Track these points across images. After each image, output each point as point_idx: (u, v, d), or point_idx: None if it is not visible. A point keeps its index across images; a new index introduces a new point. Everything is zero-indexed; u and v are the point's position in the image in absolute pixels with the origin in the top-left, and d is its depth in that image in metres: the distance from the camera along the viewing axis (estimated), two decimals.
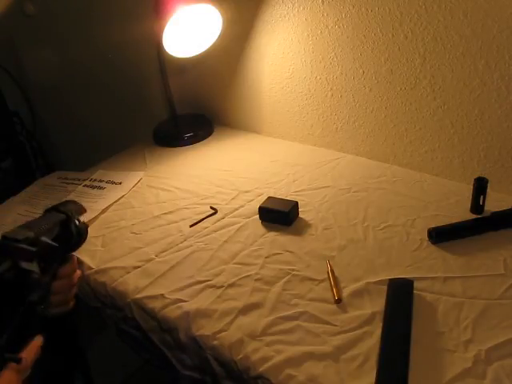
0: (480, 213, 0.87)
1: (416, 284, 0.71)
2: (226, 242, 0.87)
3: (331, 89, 1.10)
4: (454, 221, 0.83)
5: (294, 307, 0.71)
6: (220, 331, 0.68)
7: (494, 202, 0.87)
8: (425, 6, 0.88)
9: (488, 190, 0.85)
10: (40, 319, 0.53)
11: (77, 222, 0.63)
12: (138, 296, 0.77)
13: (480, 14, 0.82)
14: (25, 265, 0.52)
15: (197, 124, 1.36)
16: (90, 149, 1.55)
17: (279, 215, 0.90)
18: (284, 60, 1.15)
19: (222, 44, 1.16)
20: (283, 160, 1.14)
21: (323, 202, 0.96)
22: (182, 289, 0.77)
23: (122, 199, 1.06)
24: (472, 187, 0.87)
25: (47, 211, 0.63)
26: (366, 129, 1.09)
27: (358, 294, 0.72)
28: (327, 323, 0.68)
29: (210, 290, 0.76)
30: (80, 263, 0.82)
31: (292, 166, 1.11)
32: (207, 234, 0.90)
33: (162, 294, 0.76)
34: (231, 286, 0.77)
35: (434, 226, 0.82)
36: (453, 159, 0.98)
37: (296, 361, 0.62)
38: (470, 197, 0.87)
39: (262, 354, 0.64)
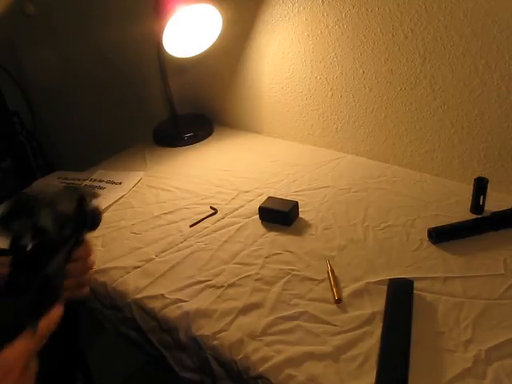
0: (480, 213, 0.87)
1: (416, 284, 0.71)
2: (225, 242, 0.87)
3: (331, 89, 1.10)
4: (454, 221, 0.83)
5: (293, 307, 0.71)
6: (220, 331, 0.68)
7: (493, 202, 0.87)
8: (425, 6, 0.88)
9: (488, 190, 0.85)
10: (55, 296, 0.51)
11: (92, 203, 0.62)
12: (138, 296, 0.77)
13: (480, 14, 0.82)
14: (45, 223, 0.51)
15: (197, 124, 1.36)
16: (90, 149, 1.55)
17: (279, 215, 0.90)
18: (284, 60, 1.15)
19: (221, 44, 1.16)
20: (283, 160, 1.14)
21: (323, 202, 0.96)
22: (181, 289, 0.77)
23: (122, 199, 1.06)
24: (472, 187, 0.87)
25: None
26: (365, 129, 1.09)
27: (357, 293, 0.72)
28: (327, 323, 0.68)
29: (210, 290, 0.76)
30: None
31: (292, 166, 1.11)
32: (207, 234, 0.90)
33: (162, 294, 0.76)
34: (231, 286, 0.77)
35: (434, 225, 0.82)
36: (453, 159, 0.98)
37: (296, 361, 0.62)
38: (470, 197, 0.87)
39: (262, 354, 0.64)
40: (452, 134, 0.96)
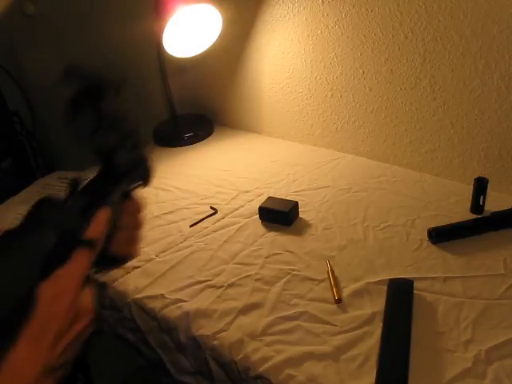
0: (480, 213, 0.87)
1: (416, 284, 0.71)
2: (225, 242, 0.87)
3: (331, 89, 1.10)
4: (454, 221, 0.83)
5: (293, 307, 0.71)
6: (220, 331, 0.68)
7: (494, 202, 0.87)
8: (425, 6, 0.88)
9: (488, 190, 0.85)
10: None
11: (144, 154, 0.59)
12: (138, 296, 0.77)
13: (480, 14, 0.82)
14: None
15: (197, 124, 1.36)
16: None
17: (279, 215, 0.90)
18: (284, 60, 1.15)
19: (221, 44, 1.16)
20: (283, 160, 1.14)
21: (323, 201, 0.96)
22: (182, 289, 0.77)
23: None
24: (472, 187, 0.87)
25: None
26: (366, 129, 1.09)
27: (358, 293, 0.72)
28: (327, 323, 0.68)
29: (210, 290, 0.76)
30: None
31: (292, 166, 1.11)
32: (207, 234, 0.90)
33: (162, 294, 0.76)
34: (231, 285, 0.77)
35: (434, 226, 0.82)
36: (453, 159, 0.98)
37: (296, 361, 0.62)
38: (470, 197, 0.87)
39: (262, 354, 0.64)
40: (452, 134, 0.96)
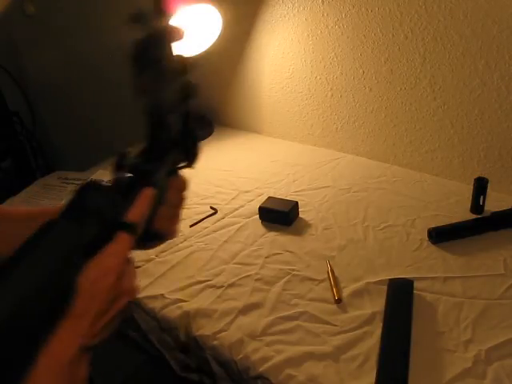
0: (480, 213, 0.87)
1: (416, 284, 0.71)
2: (225, 242, 0.87)
3: (331, 89, 1.10)
4: (454, 221, 0.83)
5: (293, 307, 0.71)
6: (220, 331, 0.68)
7: (494, 202, 0.87)
8: (425, 6, 0.88)
9: (488, 190, 0.85)
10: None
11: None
12: (138, 296, 0.77)
13: (480, 14, 0.82)
14: None
15: (197, 124, 1.36)
16: (90, 149, 1.55)
17: (279, 215, 0.90)
18: (284, 60, 1.15)
19: (221, 44, 1.16)
20: (283, 160, 1.14)
21: (323, 201, 0.96)
22: (182, 289, 0.77)
23: None
24: (472, 187, 0.87)
25: None
26: (366, 129, 1.09)
27: (358, 293, 0.72)
28: (327, 323, 0.68)
29: (210, 290, 0.76)
30: None
31: (292, 166, 1.11)
32: (207, 234, 0.90)
33: (162, 294, 0.76)
34: (231, 286, 0.77)
35: (434, 226, 0.82)
36: (453, 159, 0.98)
37: (296, 361, 0.62)
38: (470, 197, 0.87)
39: (262, 354, 0.64)
40: (452, 134, 0.96)
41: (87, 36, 1.52)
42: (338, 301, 0.71)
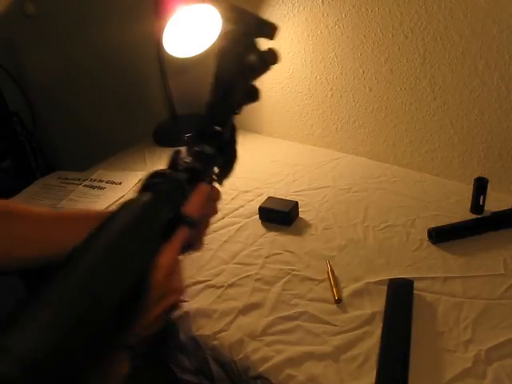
0: (480, 213, 0.87)
1: (416, 284, 0.71)
2: (225, 241, 0.87)
3: (331, 89, 1.10)
4: (454, 221, 0.83)
5: (293, 307, 0.71)
6: (220, 331, 0.68)
7: (494, 202, 0.87)
8: (425, 6, 0.88)
9: (488, 190, 0.85)
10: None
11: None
12: None
13: (480, 14, 0.82)
14: None
15: (197, 124, 1.36)
16: (90, 149, 1.55)
17: (279, 215, 0.90)
18: (284, 60, 1.15)
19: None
20: (283, 160, 1.14)
21: (323, 201, 0.96)
22: None
23: (122, 199, 1.06)
24: (472, 187, 0.87)
25: None
26: (366, 129, 1.09)
27: (358, 293, 0.72)
28: (327, 323, 0.68)
29: (210, 290, 0.76)
30: None
31: (292, 166, 1.11)
32: (207, 234, 0.90)
33: None
34: (231, 286, 0.77)
35: (433, 226, 0.82)
36: (453, 159, 0.98)
37: (296, 361, 0.62)
38: (470, 197, 0.87)
39: (262, 354, 0.64)
40: (452, 134, 0.96)
41: (87, 36, 1.52)
42: (338, 301, 0.71)
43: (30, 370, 0.27)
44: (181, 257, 0.46)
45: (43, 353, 0.28)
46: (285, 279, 0.77)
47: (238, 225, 0.92)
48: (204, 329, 0.69)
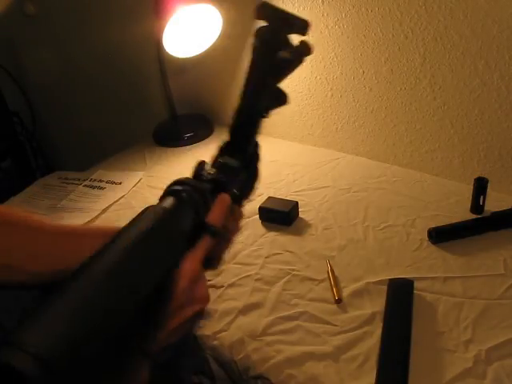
0: (480, 213, 0.87)
1: (416, 284, 0.71)
2: None
3: (331, 89, 1.10)
4: (454, 221, 0.83)
5: (294, 307, 0.71)
6: (220, 331, 0.68)
7: (494, 202, 0.87)
8: (425, 6, 0.88)
9: (488, 190, 0.85)
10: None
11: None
12: None
13: (480, 14, 0.82)
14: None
15: (197, 124, 1.36)
16: (90, 149, 1.55)
17: (279, 215, 0.90)
18: None
19: (221, 44, 1.16)
20: (283, 160, 1.14)
21: (323, 201, 0.96)
22: None
23: (122, 199, 1.06)
24: (472, 187, 0.87)
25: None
26: (366, 129, 1.09)
27: (358, 293, 0.72)
28: (327, 323, 0.68)
29: (210, 290, 0.75)
30: None
31: (292, 166, 1.11)
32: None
33: None
34: (231, 285, 0.77)
35: (433, 226, 0.82)
36: (453, 159, 0.98)
37: (296, 361, 0.62)
38: (470, 197, 0.87)
39: (262, 354, 0.64)
40: (452, 134, 0.96)
41: (87, 36, 1.52)
42: (338, 301, 0.71)
43: (45, 367, 0.26)
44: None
45: (60, 351, 0.27)
46: (285, 279, 0.77)
47: None
48: (204, 329, 0.69)
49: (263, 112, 0.55)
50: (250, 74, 0.54)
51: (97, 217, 0.99)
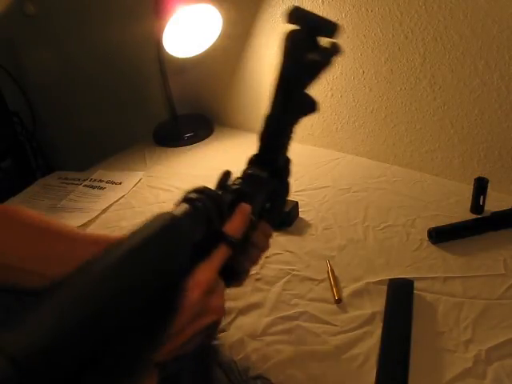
0: (480, 213, 0.87)
1: (416, 284, 0.71)
2: None
3: (331, 89, 1.10)
4: (454, 221, 0.83)
5: (294, 307, 0.71)
6: (220, 331, 0.68)
7: (494, 202, 0.87)
8: (425, 6, 0.88)
9: (488, 190, 0.85)
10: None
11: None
12: None
13: (480, 14, 0.82)
14: None
15: (197, 124, 1.36)
16: (90, 149, 1.55)
17: None
18: None
19: (221, 44, 1.16)
20: None
21: (323, 201, 0.96)
22: None
23: (122, 199, 1.06)
24: (472, 187, 0.87)
25: None
26: (366, 129, 1.09)
27: (358, 293, 0.72)
28: (327, 323, 0.68)
29: None
30: None
31: (292, 165, 1.11)
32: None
33: None
34: None
35: (433, 226, 0.82)
36: (453, 159, 0.98)
37: (296, 361, 0.62)
38: (470, 197, 0.87)
39: (262, 354, 0.64)
40: (452, 134, 0.96)
41: (87, 36, 1.52)
42: (338, 301, 0.71)
43: (18, 369, 0.25)
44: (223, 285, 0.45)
45: (36, 353, 0.27)
46: (285, 279, 0.77)
47: None
48: None
49: (293, 120, 0.55)
50: (280, 79, 0.54)
51: (97, 217, 0.99)
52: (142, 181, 1.13)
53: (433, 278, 0.74)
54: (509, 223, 0.81)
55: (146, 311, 0.33)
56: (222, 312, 0.43)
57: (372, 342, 0.64)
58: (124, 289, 0.32)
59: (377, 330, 0.66)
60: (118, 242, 0.34)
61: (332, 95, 1.10)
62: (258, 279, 0.77)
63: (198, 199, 0.44)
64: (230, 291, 0.75)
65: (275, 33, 1.13)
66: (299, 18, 0.51)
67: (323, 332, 0.66)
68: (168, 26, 1.03)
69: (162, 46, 1.08)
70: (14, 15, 1.59)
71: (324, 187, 1.01)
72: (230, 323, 0.69)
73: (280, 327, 0.68)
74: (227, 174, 0.52)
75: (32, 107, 1.69)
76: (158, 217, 0.38)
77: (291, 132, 0.56)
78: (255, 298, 0.74)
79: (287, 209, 0.89)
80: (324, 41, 0.53)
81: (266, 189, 0.55)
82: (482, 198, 0.86)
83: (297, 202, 0.92)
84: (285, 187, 0.60)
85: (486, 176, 0.85)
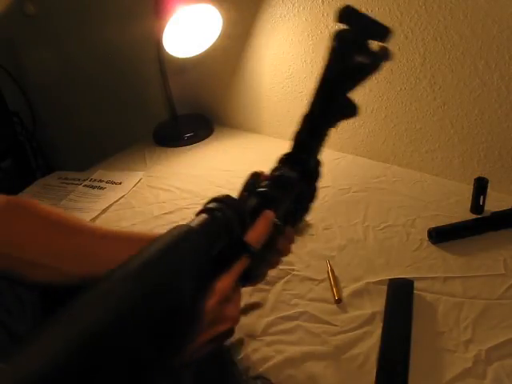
0: (480, 213, 0.87)
1: (416, 284, 0.71)
2: None
3: None
4: (453, 221, 0.83)
5: (294, 307, 0.71)
6: None
7: (494, 202, 0.87)
8: (425, 6, 0.88)
9: (488, 190, 0.85)
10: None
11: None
12: None
13: (480, 14, 0.82)
14: None
15: (197, 124, 1.36)
16: (90, 149, 1.55)
17: None
18: (284, 60, 1.15)
19: (221, 44, 1.16)
20: None
21: (323, 202, 0.96)
22: None
23: (122, 199, 1.06)
24: (472, 187, 0.87)
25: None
26: (365, 129, 1.09)
27: (357, 293, 0.72)
28: (327, 323, 0.68)
29: None
30: None
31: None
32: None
33: None
34: None
35: (433, 226, 0.82)
36: (453, 159, 0.98)
37: (296, 361, 0.62)
38: (470, 197, 0.87)
39: (262, 354, 0.64)
40: (452, 134, 0.96)
41: (87, 36, 1.52)
42: (338, 301, 0.71)
43: None
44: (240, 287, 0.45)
45: (47, 375, 0.26)
46: (285, 279, 0.77)
47: None
48: None
49: (331, 123, 0.54)
50: (323, 78, 0.52)
51: (97, 217, 0.99)
52: (141, 181, 1.13)
53: (433, 278, 0.74)
54: (509, 223, 0.81)
55: (157, 323, 0.32)
56: (237, 320, 0.43)
57: (372, 341, 0.64)
58: (140, 300, 0.31)
59: (377, 329, 0.66)
60: (130, 258, 0.34)
61: None
62: None
63: (218, 209, 0.43)
64: None
65: (275, 33, 1.13)
66: (350, 17, 0.49)
67: (323, 332, 0.66)
68: (168, 26, 1.03)
69: (162, 46, 1.08)
70: (14, 15, 1.59)
71: (324, 187, 1.01)
72: None
73: (280, 327, 0.68)
74: (255, 176, 0.51)
75: (32, 107, 1.69)
76: (174, 229, 0.37)
77: (326, 134, 0.55)
78: (255, 298, 0.74)
79: None
80: (373, 44, 0.51)
81: (293, 191, 0.54)
82: (482, 198, 0.86)
83: None
84: (312, 190, 0.59)
85: (486, 176, 0.85)
